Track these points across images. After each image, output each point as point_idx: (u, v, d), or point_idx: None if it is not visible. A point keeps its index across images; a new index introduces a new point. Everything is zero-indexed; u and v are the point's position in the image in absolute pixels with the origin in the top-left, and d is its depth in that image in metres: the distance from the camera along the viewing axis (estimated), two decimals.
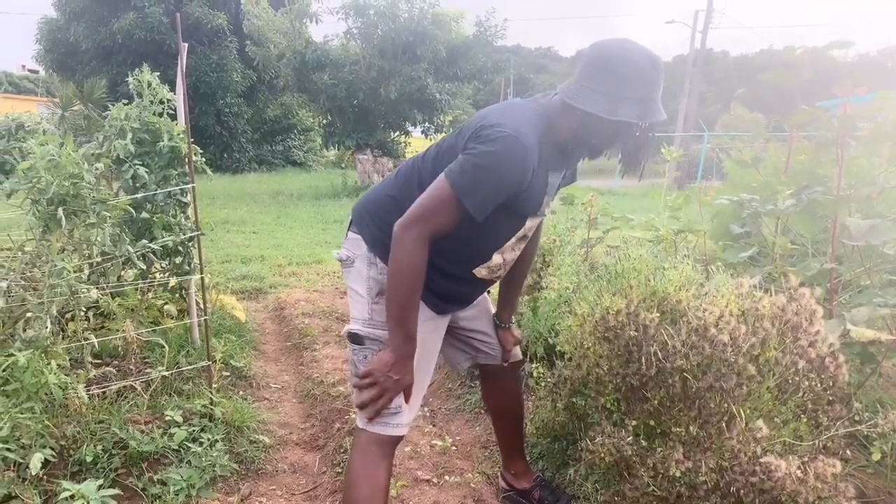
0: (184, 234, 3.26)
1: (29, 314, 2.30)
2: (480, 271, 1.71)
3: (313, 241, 7.81)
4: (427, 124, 14.00)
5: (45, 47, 22.19)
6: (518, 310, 2.60)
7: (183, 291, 3.48)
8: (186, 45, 3.27)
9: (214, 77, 20.50)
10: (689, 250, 3.52)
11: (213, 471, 2.34)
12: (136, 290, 3.30)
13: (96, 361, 2.84)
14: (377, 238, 1.66)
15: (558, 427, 2.35)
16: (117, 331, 3.03)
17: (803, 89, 2.77)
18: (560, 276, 2.80)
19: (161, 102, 3.17)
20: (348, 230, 1.78)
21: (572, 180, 1.85)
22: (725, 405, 1.64)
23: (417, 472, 2.40)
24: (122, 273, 3.19)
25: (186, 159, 3.23)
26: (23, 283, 2.35)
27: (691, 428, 1.70)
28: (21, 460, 2.04)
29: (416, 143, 16.21)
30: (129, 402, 2.65)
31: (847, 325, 2.05)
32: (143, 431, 2.48)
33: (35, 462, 1.99)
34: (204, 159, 3.38)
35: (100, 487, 1.95)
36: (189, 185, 2.98)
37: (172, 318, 3.72)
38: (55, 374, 2.28)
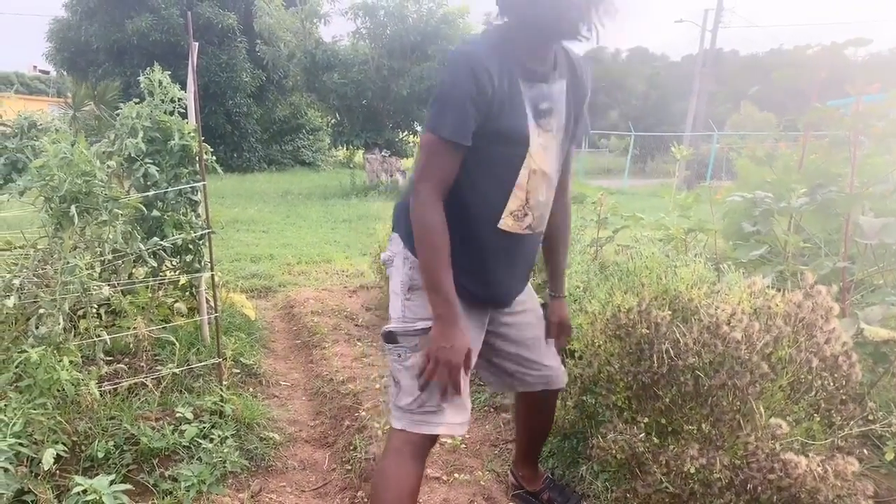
0: (194, 232, 3.28)
1: (42, 311, 2.31)
2: (506, 222, 1.55)
3: (322, 240, 7.82)
4: None
5: (56, 46, 22.34)
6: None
7: (193, 289, 3.50)
8: (197, 44, 3.29)
9: (224, 77, 20.58)
10: (700, 249, 3.51)
11: (224, 467, 2.34)
12: (147, 287, 3.31)
13: (108, 358, 2.86)
14: (409, 233, 1.60)
15: (568, 425, 2.34)
16: (129, 328, 3.05)
17: (816, 88, 2.75)
18: (570, 275, 2.79)
19: (172, 101, 3.18)
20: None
21: (585, 130, 1.73)
22: (738, 403, 1.63)
23: (427, 469, 2.40)
24: (133, 271, 3.22)
25: (197, 158, 3.25)
26: (35, 280, 2.37)
27: (703, 426, 1.69)
28: (34, 456, 2.05)
29: None
30: (140, 399, 2.66)
31: (861, 324, 2.04)
32: (154, 428, 2.49)
33: (48, 457, 2.01)
34: (214, 158, 3.39)
35: (111, 483, 1.96)
36: (200, 184, 2.99)
37: (183, 316, 3.74)
38: (67, 370, 2.30)
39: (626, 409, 1.89)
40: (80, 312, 2.59)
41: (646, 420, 1.78)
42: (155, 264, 2.86)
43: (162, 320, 3.61)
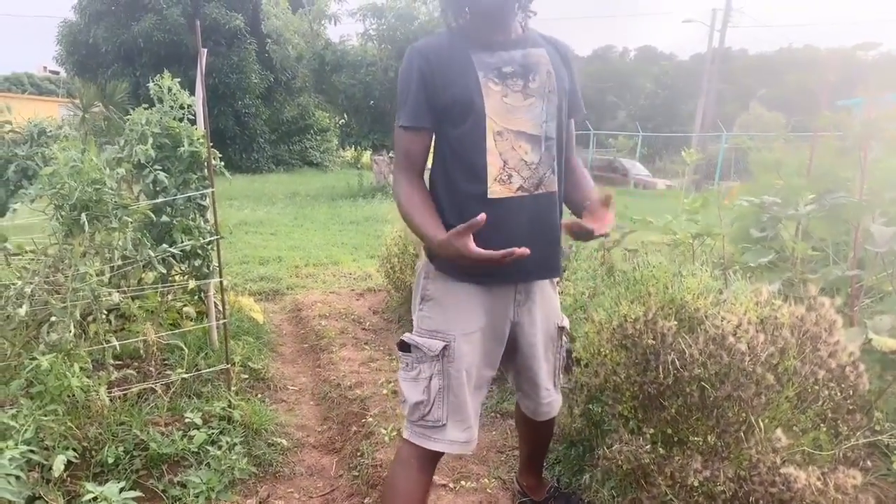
0: (203, 238, 3.30)
1: (53, 318, 2.34)
2: (493, 189, 1.54)
3: (330, 242, 7.85)
4: None
5: (67, 49, 22.52)
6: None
7: (202, 294, 3.52)
8: (206, 49, 3.32)
9: (233, 78, 20.68)
10: (707, 254, 3.50)
11: (232, 473, 2.36)
12: (156, 292, 3.34)
13: (117, 363, 2.88)
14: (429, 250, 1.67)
15: (574, 433, 2.34)
16: (138, 333, 3.08)
17: (826, 90, 2.74)
18: (576, 280, 2.79)
19: (181, 107, 3.21)
20: None
21: (578, 105, 1.71)
22: (744, 415, 1.63)
23: (433, 476, 2.41)
24: (143, 276, 3.25)
25: (206, 163, 3.27)
26: (46, 287, 2.40)
27: (709, 437, 1.69)
28: (45, 462, 2.07)
29: None
30: (149, 404, 2.69)
31: (869, 333, 2.03)
32: (163, 433, 2.51)
33: (58, 464, 2.03)
34: (223, 162, 3.42)
35: (121, 490, 1.98)
36: (209, 191, 3.01)
37: (191, 321, 3.77)
38: (78, 377, 2.32)
39: (631, 419, 1.89)
40: (91, 318, 2.61)
41: (651, 430, 1.79)
42: (164, 270, 2.88)
43: (171, 324, 3.64)
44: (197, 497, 2.20)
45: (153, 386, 2.70)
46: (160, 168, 3.11)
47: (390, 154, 14.07)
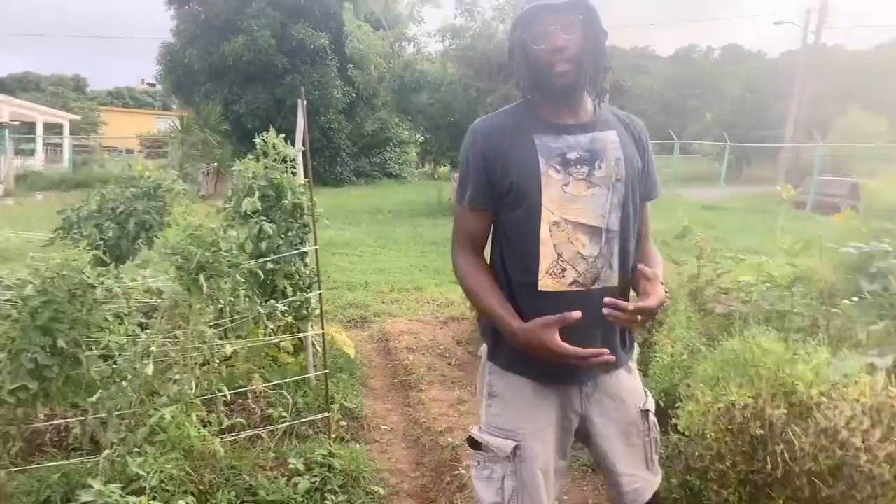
0: (303, 282, 3.48)
1: (174, 372, 2.54)
2: (544, 282, 1.50)
3: (413, 265, 8.02)
4: None
5: (165, 69, 24.04)
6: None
7: (299, 331, 3.70)
8: (304, 101, 3.49)
9: (317, 95, 21.42)
10: (808, 299, 3.36)
11: None
12: (258, 335, 3.54)
13: (226, 406, 3.08)
14: (490, 344, 1.68)
15: (671, 502, 2.31)
16: (242, 376, 3.29)
17: None
18: (673, 337, 2.75)
19: (284, 161, 3.40)
20: None
21: (653, 184, 1.67)
22: None
23: None
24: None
25: (307, 211, 3.45)
26: (167, 343, 2.60)
27: None
28: None
29: None
30: (256, 448, 2.86)
31: None
32: (269, 479, 2.67)
33: None
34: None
35: None
36: (312, 248, 3.17)
37: (289, 354, 3.97)
38: (195, 427, 2.51)
39: None
40: (205, 369, 2.81)
41: None
42: (273, 327, 3.05)
43: (271, 359, 3.85)
44: None
45: (260, 433, 2.86)
46: (265, 219, 3.30)
47: None
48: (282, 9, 21.17)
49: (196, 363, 2.58)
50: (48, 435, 2.96)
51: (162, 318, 2.60)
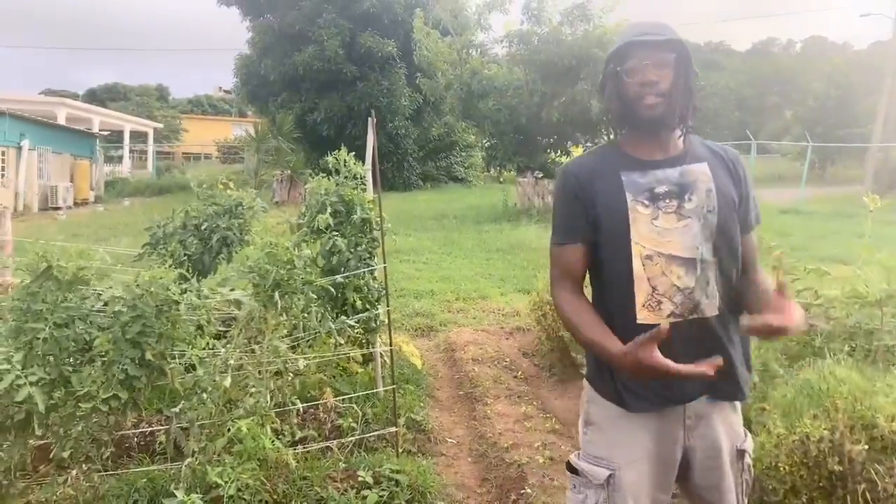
0: (372, 296, 3.56)
1: (251, 386, 2.65)
2: (642, 315, 1.53)
3: (478, 273, 8.04)
4: (589, 144, 13.85)
5: (241, 80, 25.00)
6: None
7: (368, 343, 3.79)
8: (374, 119, 3.57)
9: (385, 102, 21.78)
10: None
11: None
12: (329, 347, 3.64)
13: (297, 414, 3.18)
14: (590, 373, 1.71)
15: None
16: (313, 387, 3.40)
17: None
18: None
19: (355, 178, 3.49)
20: None
21: (754, 213, 1.65)
22: None
23: None
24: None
25: (376, 226, 3.53)
26: (244, 356, 2.72)
27: None
28: None
29: None
30: (327, 459, 2.94)
31: None
32: (339, 490, 2.75)
33: None
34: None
35: None
36: (381, 266, 3.24)
37: (359, 364, 4.07)
38: (270, 439, 2.62)
39: None
40: (279, 382, 2.92)
41: None
42: (342, 342, 3.14)
43: (341, 370, 3.96)
44: None
45: (331, 446, 2.95)
46: (337, 233, 3.40)
47: (535, 174, 14.12)
48: (351, 18, 21.65)
49: (270, 376, 2.68)
50: (136, 440, 3.14)
51: (239, 332, 2.72)
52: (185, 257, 3.39)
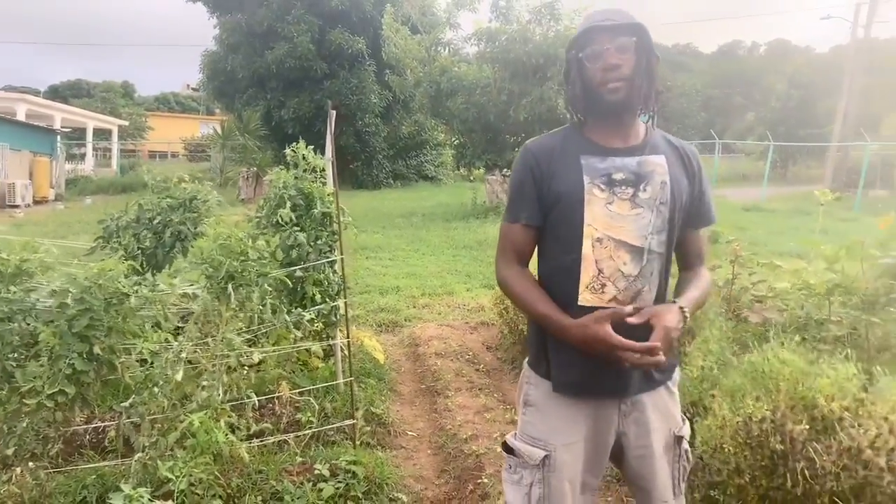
0: (331, 290, 3.54)
1: (203, 379, 2.61)
2: (584, 296, 1.54)
3: (444, 269, 8.04)
4: None
5: (207, 76, 24.62)
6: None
7: (328, 337, 3.76)
8: (335, 112, 3.55)
9: (354, 99, 21.66)
10: (848, 308, 3.26)
11: None
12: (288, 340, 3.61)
13: (255, 411, 3.15)
14: (532, 354, 1.72)
15: None
16: (271, 380, 3.36)
17: None
18: (705, 349, 2.71)
19: (314, 171, 3.46)
20: None
21: (707, 212, 1.68)
22: None
23: None
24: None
25: (335, 219, 3.51)
26: (198, 349, 2.68)
27: None
28: None
29: None
30: (283, 453, 2.92)
31: None
32: (295, 484, 2.72)
33: None
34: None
35: None
36: (338, 257, 3.22)
37: (320, 359, 4.04)
38: (224, 432, 2.58)
39: None
40: (234, 375, 2.88)
41: None
42: (300, 335, 3.11)
43: (301, 364, 3.93)
44: None
45: (287, 439, 2.92)
46: (297, 228, 3.37)
47: (503, 172, 14.18)
48: (320, 15, 21.48)
49: (225, 370, 2.65)
50: (87, 437, 3.07)
51: (193, 325, 2.68)
52: (139, 251, 3.32)
